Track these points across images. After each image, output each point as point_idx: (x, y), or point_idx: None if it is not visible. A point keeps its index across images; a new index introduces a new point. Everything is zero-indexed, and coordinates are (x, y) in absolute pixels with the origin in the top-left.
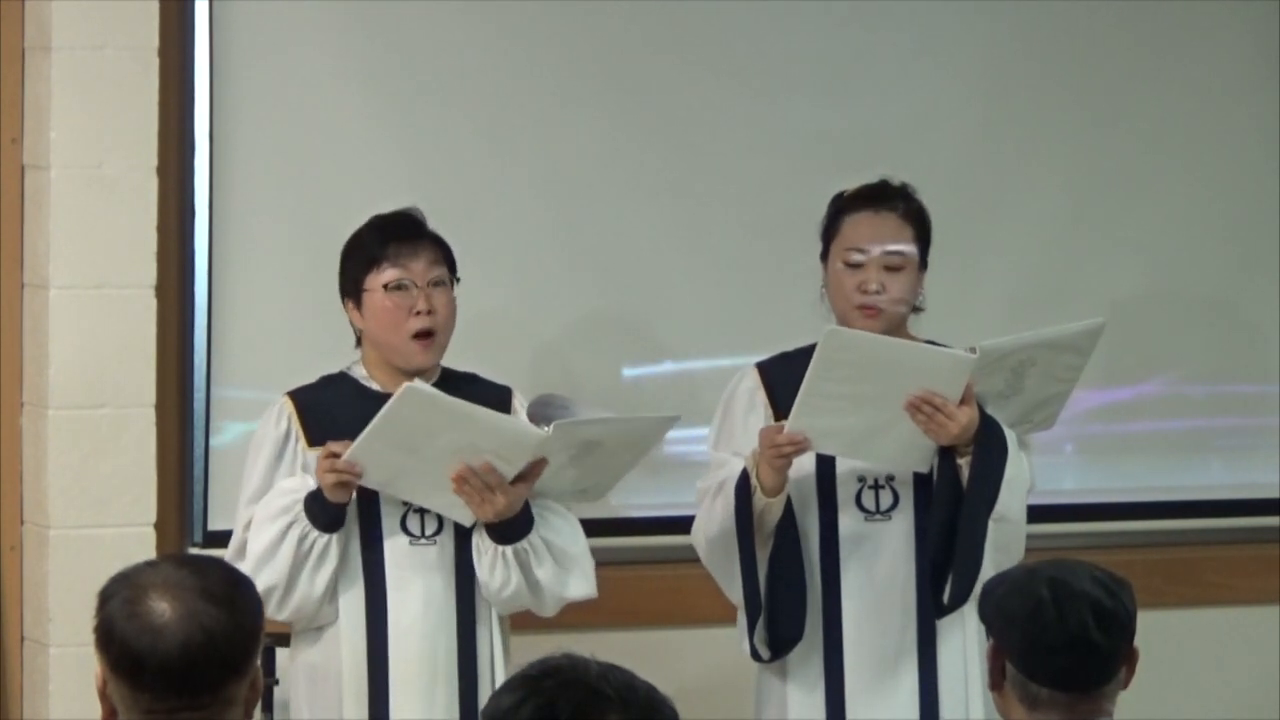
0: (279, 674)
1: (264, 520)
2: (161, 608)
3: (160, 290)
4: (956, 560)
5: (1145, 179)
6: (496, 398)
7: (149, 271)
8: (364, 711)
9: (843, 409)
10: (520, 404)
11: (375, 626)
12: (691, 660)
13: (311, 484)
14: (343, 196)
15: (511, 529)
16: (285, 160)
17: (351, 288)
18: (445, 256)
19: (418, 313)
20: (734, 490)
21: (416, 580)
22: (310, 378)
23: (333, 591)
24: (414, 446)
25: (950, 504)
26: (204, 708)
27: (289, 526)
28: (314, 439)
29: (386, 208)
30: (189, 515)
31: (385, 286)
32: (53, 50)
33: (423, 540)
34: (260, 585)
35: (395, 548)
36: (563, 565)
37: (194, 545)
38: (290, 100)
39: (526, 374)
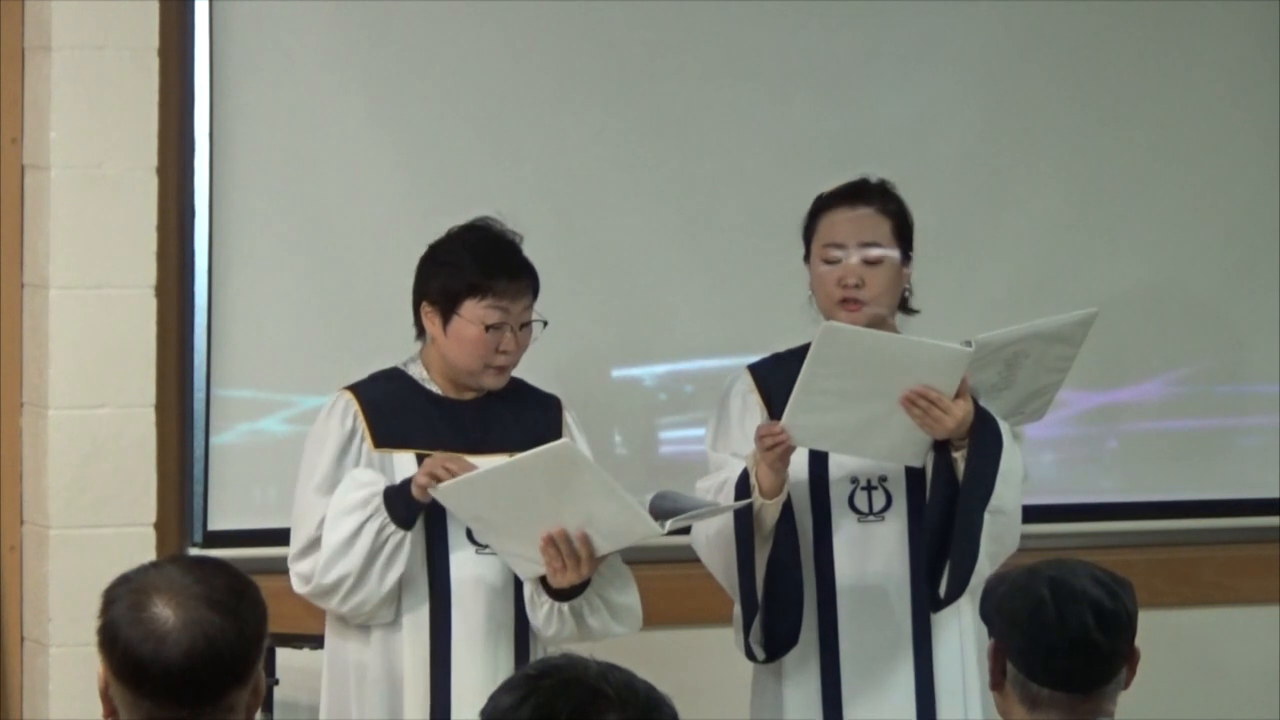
0: (278, 673)
1: (340, 513)
2: (165, 615)
3: (160, 290)
4: (953, 554)
5: (1145, 179)
6: (545, 407)
7: (149, 271)
8: (425, 713)
9: (837, 405)
10: (571, 419)
11: (439, 630)
12: (691, 660)
13: (384, 479)
14: (342, 197)
15: (572, 589)
16: (285, 160)
17: (440, 300)
18: (535, 288)
19: (502, 351)
20: (734, 490)
21: (480, 587)
22: (310, 377)
23: (395, 594)
24: (521, 496)
25: (946, 498)
26: (205, 715)
27: (368, 519)
28: (379, 439)
29: (386, 208)
30: (189, 515)
31: (487, 327)
32: (53, 50)
33: (488, 550)
34: (332, 576)
35: (461, 555)
36: (614, 614)
37: (194, 545)
38: (290, 100)
39: (523, 373)
